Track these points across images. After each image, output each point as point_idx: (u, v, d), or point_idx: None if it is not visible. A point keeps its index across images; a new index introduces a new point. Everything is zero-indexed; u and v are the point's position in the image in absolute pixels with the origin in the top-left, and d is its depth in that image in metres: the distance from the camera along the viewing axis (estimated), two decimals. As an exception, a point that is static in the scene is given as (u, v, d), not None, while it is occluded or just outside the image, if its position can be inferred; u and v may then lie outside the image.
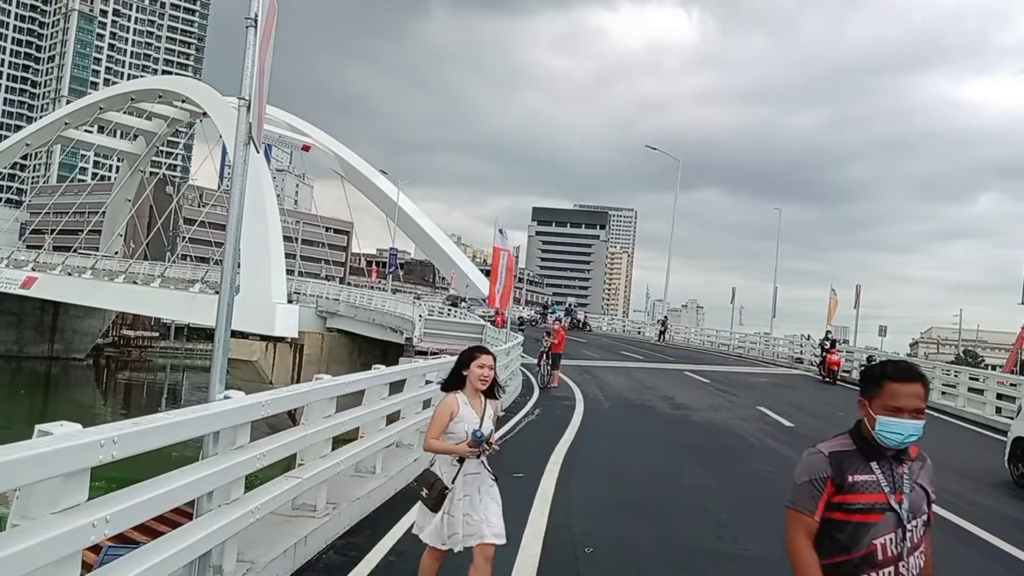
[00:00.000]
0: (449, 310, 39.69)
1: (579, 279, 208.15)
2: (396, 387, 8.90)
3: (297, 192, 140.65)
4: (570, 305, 62.26)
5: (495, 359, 4.72)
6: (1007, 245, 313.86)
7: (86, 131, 61.72)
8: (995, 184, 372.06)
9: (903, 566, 2.53)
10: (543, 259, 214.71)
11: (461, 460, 4.48)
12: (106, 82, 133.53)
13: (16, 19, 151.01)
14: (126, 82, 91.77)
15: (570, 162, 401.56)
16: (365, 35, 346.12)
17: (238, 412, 4.79)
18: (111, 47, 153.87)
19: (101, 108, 58.64)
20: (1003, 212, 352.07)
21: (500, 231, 21.68)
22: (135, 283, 46.58)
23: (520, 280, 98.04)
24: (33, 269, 53.78)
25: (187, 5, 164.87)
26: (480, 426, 4.47)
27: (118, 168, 77.62)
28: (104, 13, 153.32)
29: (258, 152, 7.79)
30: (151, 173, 70.88)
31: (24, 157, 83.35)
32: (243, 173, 5.60)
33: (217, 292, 5.85)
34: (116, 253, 60.78)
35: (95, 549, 5.06)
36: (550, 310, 57.20)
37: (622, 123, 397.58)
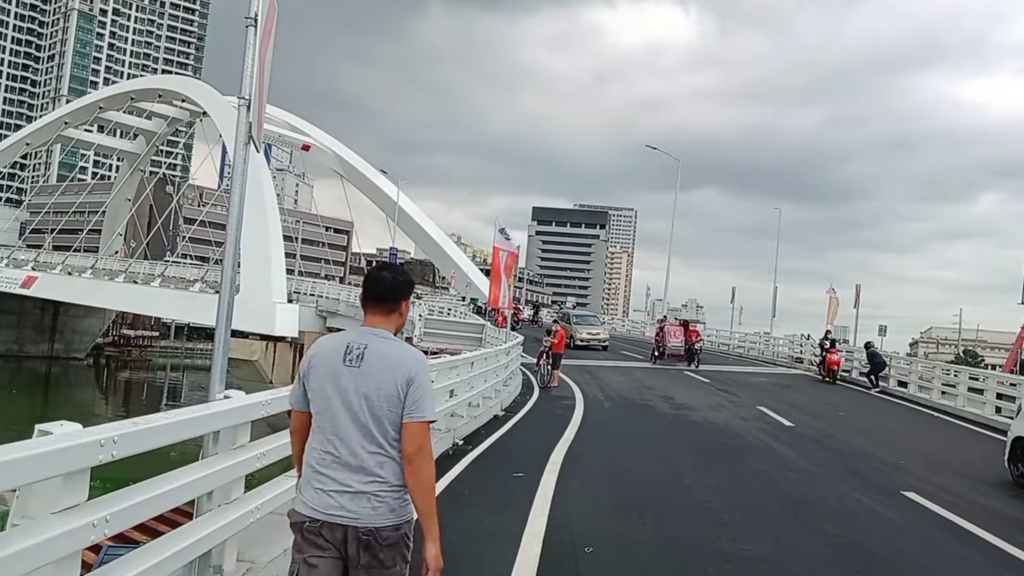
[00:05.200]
0: (452, 311, 39.50)
1: (579, 279, 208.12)
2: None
3: (297, 192, 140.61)
4: (572, 305, 62.23)
5: None
6: (1007, 245, 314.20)
7: (86, 130, 61.67)
8: (995, 184, 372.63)
9: None
10: (543, 259, 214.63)
11: None
12: (106, 81, 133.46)
13: (16, 19, 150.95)
14: (126, 81, 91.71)
15: (570, 162, 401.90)
16: (363, 34, 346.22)
17: (238, 412, 4.80)
18: (111, 46, 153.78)
19: (101, 107, 58.59)
20: (1003, 212, 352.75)
21: (501, 231, 21.64)
22: (135, 282, 46.55)
23: (520, 280, 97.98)
24: (33, 268, 53.75)
25: (187, 5, 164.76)
26: None
27: (118, 167, 77.59)
28: (104, 12, 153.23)
29: (258, 152, 7.78)
30: (151, 172, 70.85)
31: (24, 156, 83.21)
32: (243, 173, 5.59)
33: (217, 291, 5.85)
34: (116, 252, 60.75)
35: (95, 549, 5.05)
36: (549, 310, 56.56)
37: (621, 122, 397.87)
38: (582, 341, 33.94)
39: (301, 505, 2.97)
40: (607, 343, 35.58)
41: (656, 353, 29.11)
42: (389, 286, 3.14)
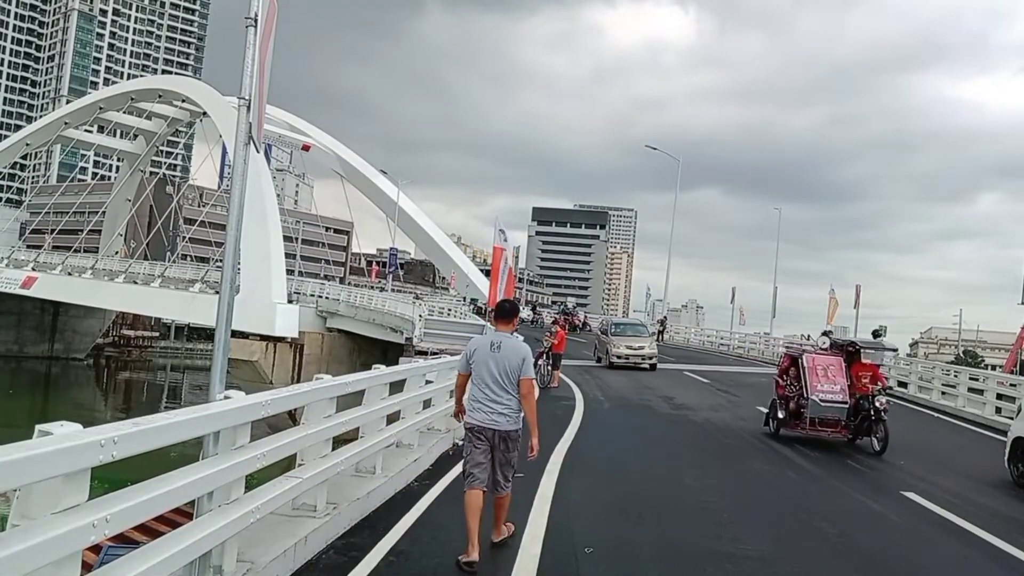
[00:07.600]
0: (453, 311, 39.41)
1: (579, 279, 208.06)
2: (396, 387, 8.90)
3: (297, 192, 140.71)
4: (572, 306, 62.17)
5: None
6: (1007, 245, 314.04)
7: (86, 131, 61.66)
8: (995, 184, 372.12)
9: None
10: (543, 259, 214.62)
11: None
12: (106, 82, 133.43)
13: (16, 19, 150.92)
14: (126, 82, 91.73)
15: (570, 162, 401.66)
16: (362, 33, 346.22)
17: (238, 412, 4.79)
18: (111, 47, 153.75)
19: (101, 108, 58.59)
20: (1003, 212, 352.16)
21: (500, 231, 21.67)
22: (135, 283, 46.55)
23: (520, 280, 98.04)
24: (33, 269, 53.76)
25: (187, 5, 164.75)
26: None
27: (118, 168, 77.60)
28: (104, 13, 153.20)
29: (258, 152, 7.80)
30: (151, 173, 70.84)
31: (24, 157, 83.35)
32: (243, 173, 5.60)
33: (217, 292, 5.85)
34: (116, 253, 60.75)
35: (95, 549, 5.06)
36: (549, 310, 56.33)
37: (621, 122, 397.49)
38: (620, 358, 25.61)
39: (471, 419, 6.12)
40: (655, 360, 26.04)
41: (779, 415, 13.72)
42: (509, 311, 6.47)
